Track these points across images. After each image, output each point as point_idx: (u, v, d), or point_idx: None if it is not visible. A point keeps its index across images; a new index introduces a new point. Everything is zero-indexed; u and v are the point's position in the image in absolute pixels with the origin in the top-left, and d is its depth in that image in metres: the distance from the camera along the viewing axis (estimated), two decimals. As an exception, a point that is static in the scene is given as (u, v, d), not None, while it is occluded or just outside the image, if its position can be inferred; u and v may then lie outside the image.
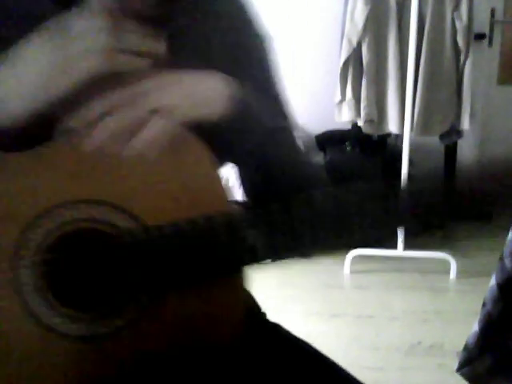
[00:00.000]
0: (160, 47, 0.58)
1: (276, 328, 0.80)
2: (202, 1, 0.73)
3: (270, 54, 0.78)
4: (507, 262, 1.03)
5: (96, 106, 0.57)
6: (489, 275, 1.08)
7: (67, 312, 0.61)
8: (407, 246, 2.53)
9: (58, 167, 0.60)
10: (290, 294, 2.32)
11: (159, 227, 0.59)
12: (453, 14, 2.59)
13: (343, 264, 2.52)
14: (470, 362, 1.10)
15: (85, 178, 0.60)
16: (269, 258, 0.61)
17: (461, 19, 2.58)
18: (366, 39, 2.60)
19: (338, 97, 2.69)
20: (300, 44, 3.15)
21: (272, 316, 0.84)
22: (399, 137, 2.79)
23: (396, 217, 0.62)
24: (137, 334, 0.61)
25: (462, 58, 2.63)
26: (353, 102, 2.65)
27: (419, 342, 1.96)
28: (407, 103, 2.48)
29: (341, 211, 0.60)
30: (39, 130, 0.57)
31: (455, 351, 1.71)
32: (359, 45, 2.61)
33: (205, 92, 0.62)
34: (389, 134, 2.83)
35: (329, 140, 3.03)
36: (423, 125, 2.64)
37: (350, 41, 2.61)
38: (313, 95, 3.15)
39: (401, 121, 2.59)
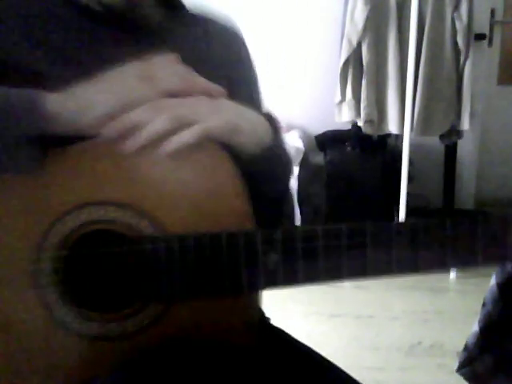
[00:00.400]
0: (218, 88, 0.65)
1: (280, 333, 0.80)
2: (208, 20, 0.78)
3: (257, 83, 0.84)
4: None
5: (142, 113, 0.60)
6: (489, 275, 1.08)
7: (80, 310, 0.61)
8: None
9: (86, 168, 0.61)
10: (290, 294, 2.31)
11: (182, 237, 0.59)
12: (453, 14, 2.59)
13: (343, 264, 2.52)
14: (470, 362, 1.10)
15: (112, 181, 0.61)
16: (287, 285, 0.61)
17: (461, 19, 2.58)
18: (366, 39, 2.60)
19: (338, 97, 2.69)
20: (300, 44, 3.16)
21: (272, 316, 0.84)
22: (399, 137, 2.79)
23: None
24: (149, 339, 0.62)
25: (461, 58, 2.62)
26: (353, 102, 2.65)
27: (419, 342, 1.96)
28: (407, 103, 2.47)
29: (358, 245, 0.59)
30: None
31: (455, 351, 1.71)
32: (359, 45, 2.61)
33: (249, 125, 0.65)
34: (389, 134, 2.83)
35: (329, 140, 3.03)
36: (423, 125, 2.64)
37: (349, 41, 2.61)
38: (313, 95, 3.15)
39: (401, 121, 2.59)
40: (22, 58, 0.64)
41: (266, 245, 0.59)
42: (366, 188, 2.69)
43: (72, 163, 0.61)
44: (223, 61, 0.76)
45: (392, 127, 2.66)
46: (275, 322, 0.83)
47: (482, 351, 1.08)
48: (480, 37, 3.06)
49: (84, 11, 0.68)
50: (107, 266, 0.63)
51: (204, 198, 0.61)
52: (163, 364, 0.61)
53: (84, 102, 0.60)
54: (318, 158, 3.07)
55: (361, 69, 2.64)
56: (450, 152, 2.99)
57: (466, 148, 3.12)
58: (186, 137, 0.59)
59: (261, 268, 0.59)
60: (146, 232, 0.60)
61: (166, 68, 0.63)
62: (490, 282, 1.07)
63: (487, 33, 3.15)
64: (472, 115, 2.66)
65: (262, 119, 0.68)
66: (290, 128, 3.11)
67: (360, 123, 2.69)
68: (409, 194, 2.48)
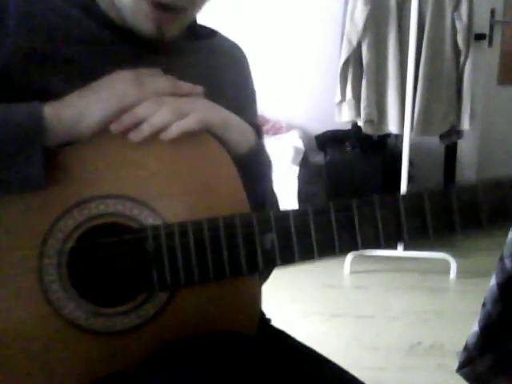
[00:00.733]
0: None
1: (280, 334, 0.80)
2: (215, 44, 0.81)
3: (257, 108, 0.88)
4: (507, 262, 1.03)
5: (146, 108, 0.65)
6: (489, 275, 1.08)
7: (86, 305, 0.62)
8: (407, 246, 2.53)
9: (85, 164, 0.63)
10: (290, 294, 2.32)
11: (182, 224, 0.62)
12: (453, 14, 2.59)
13: (343, 264, 2.53)
14: (470, 362, 1.10)
15: (110, 175, 0.63)
16: (285, 263, 0.63)
17: (461, 19, 2.58)
18: (366, 39, 2.60)
19: (338, 97, 2.69)
20: (300, 44, 3.16)
21: (272, 316, 0.84)
22: (399, 137, 2.79)
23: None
24: (155, 330, 0.63)
25: (461, 58, 2.63)
26: (353, 102, 2.65)
27: (419, 342, 1.97)
28: (407, 103, 2.48)
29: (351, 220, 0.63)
30: None
31: (455, 351, 1.71)
32: (359, 45, 2.61)
33: (237, 124, 0.71)
34: (389, 134, 2.83)
35: (329, 140, 3.03)
36: (423, 125, 2.64)
37: (349, 41, 2.61)
38: (313, 95, 3.15)
39: (401, 121, 2.59)
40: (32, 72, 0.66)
41: (262, 224, 0.62)
42: (365, 188, 2.69)
43: (71, 160, 0.63)
44: (230, 81, 0.80)
45: (392, 127, 2.66)
46: (275, 321, 0.83)
47: (481, 351, 1.08)
48: (480, 37, 3.06)
49: (107, 26, 0.71)
50: (110, 258, 0.64)
51: (201, 186, 0.64)
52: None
53: (80, 110, 0.63)
54: (318, 158, 3.07)
55: (361, 69, 2.64)
56: (450, 152, 2.99)
57: (466, 148, 3.12)
58: (185, 124, 0.64)
59: (258, 248, 0.62)
60: (147, 222, 0.63)
61: (152, 75, 0.68)
62: (489, 281, 1.07)
63: (487, 33, 3.15)
64: (472, 115, 2.66)
65: (246, 123, 0.73)
66: (290, 128, 3.11)
67: (360, 123, 2.69)
68: (409, 194, 2.48)
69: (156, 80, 0.67)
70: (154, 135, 0.63)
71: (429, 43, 2.58)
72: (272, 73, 3.12)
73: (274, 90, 3.13)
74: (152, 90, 0.66)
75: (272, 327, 0.82)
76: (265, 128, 3.06)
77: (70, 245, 0.62)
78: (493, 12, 3.18)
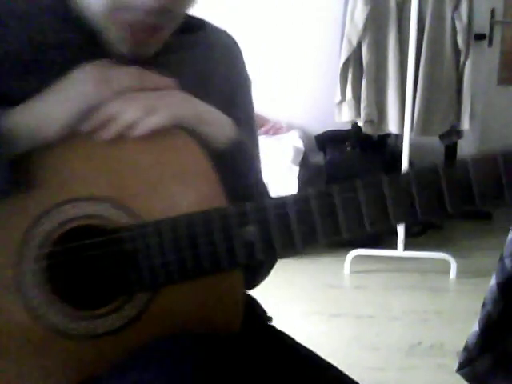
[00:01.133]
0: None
1: (280, 335, 0.79)
2: (205, 36, 0.78)
3: (252, 98, 0.84)
4: (507, 261, 1.03)
5: (114, 106, 0.63)
6: (489, 275, 1.08)
7: (66, 309, 0.61)
8: (407, 246, 2.53)
9: (56, 168, 0.62)
10: (290, 294, 2.32)
11: (156, 222, 0.60)
12: (453, 14, 2.59)
13: (343, 264, 2.52)
14: (470, 362, 1.10)
15: (83, 177, 0.62)
16: (266, 255, 0.61)
17: (461, 19, 2.58)
18: (366, 39, 2.60)
19: (338, 97, 2.69)
20: (300, 44, 3.16)
21: (272, 316, 0.84)
22: (399, 137, 2.79)
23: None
24: (138, 331, 0.61)
25: (462, 58, 2.63)
26: (353, 102, 2.65)
27: (419, 342, 1.96)
28: (407, 103, 2.47)
29: (334, 209, 0.60)
30: None
31: (455, 351, 1.71)
32: (359, 45, 2.61)
33: (214, 118, 0.68)
34: (389, 134, 2.83)
35: (329, 140, 3.03)
36: (423, 125, 2.64)
37: (349, 41, 2.61)
38: (313, 95, 3.15)
39: (401, 121, 2.59)
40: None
41: (240, 217, 0.60)
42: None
43: (41, 164, 0.61)
44: (220, 74, 0.78)
45: (392, 127, 2.66)
46: (275, 321, 0.83)
47: (482, 351, 1.08)
48: (480, 37, 3.06)
49: (81, 31, 0.67)
50: (87, 261, 0.63)
51: (174, 182, 0.62)
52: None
53: (42, 115, 0.61)
54: (318, 158, 3.07)
55: (361, 69, 2.64)
56: (450, 152, 2.99)
57: (466, 148, 3.12)
58: (154, 120, 0.62)
59: (238, 241, 0.60)
60: (122, 222, 0.61)
61: (118, 69, 0.65)
62: (489, 281, 1.07)
63: (487, 33, 3.15)
64: (472, 115, 2.66)
65: (225, 116, 0.70)
66: (290, 128, 3.11)
67: (360, 123, 2.69)
68: (409, 194, 2.48)
69: (122, 74, 0.65)
70: (124, 133, 0.62)
71: (429, 43, 2.58)
72: (272, 73, 3.12)
73: (274, 90, 3.13)
74: (118, 85, 0.63)
75: (272, 328, 0.82)
76: (265, 128, 3.06)
77: (46, 250, 0.61)
78: (493, 12, 3.18)
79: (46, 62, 0.66)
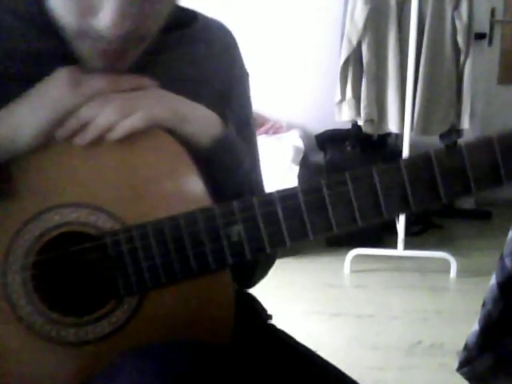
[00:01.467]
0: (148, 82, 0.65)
1: (281, 335, 0.79)
2: (197, 30, 0.76)
3: (249, 92, 0.82)
4: (507, 261, 1.03)
5: (89, 110, 0.62)
6: (489, 275, 1.08)
7: (55, 317, 0.61)
8: (407, 246, 2.53)
9: (36, 174, 0.61)
10: (290, 294, 2.32)
11: (141, 226, 0.60)
12: (453, 13, 2.59)
13: (343, 263, 2.53)
14: (470, 361, 1.10)
15: (61, 184, 0.61)
16: (255, 254, 0.60)
17: (461, 19, 2.58)
18: (366, 39, 2.60)
19: (338, 96, 2.69)
20: (300, 44, 3.16)
21: (272, 314, 0.84)
22: (399, 136, 2.79)
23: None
24: (129, 336, 0.61)
25: (461, 57, 2.63)
26: (353, 101, 2.66)
27: (419, 342, 1.97)
28: (407, 103, 2.47)
29: (321, 203, 0.59)
30: None
31: (455, 351, 1.71)
32: (359, 44, 2.61)
33: (197, 116, 0.66)
34: (389, 134, 2.84)
35: (329, 139, 3.04)
36: (423, 124, 2.65)
37: (349, 40, 2.61)
38: (313, 95, 3.15)
39: (401, 120, 2.59)
40: None
41: (226, 217, 0.59)
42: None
43: (20, 174, 0.61)
44: (214, 68, 0.76)
45: (392, 126, 2.67)
46: (275, 321, 0.83)
47: (482, 351, 1.08)
48: (480, 36, 3.06)
49: (56, 36, 0.65)
50: (73, 268, 0.63)
51: (155, 184, 0.61)
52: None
53: (13, 126, 0.60)
54: (318, 158, 3.07)
55: (361, 68, 2.65)
56: (450, 151, 2.99)
57: (466, 147, 3.12)
58: (130, 123, 0.61)
59: (225, 242, 0.59)
60: (106, 227, 0.60)
61: (91, 73, 0.63)
62: (489, 281, 1.07)
63: (487, 32, 3.16)
64: (472, 115, 2.66)
65: (209, 112, 0.68)
66: (290, 127, 3.12)
67: (360, 122, 2.69)
68: (409, 194, 2.48)
69: (95, 78, 0.63)
70: (101, 137, 0.61)
71: (429, 43, 2.59)
72: (272, 72, 3.12)
73: (274, 90, 3.13)
74: (90, 90, 0.62)
75: (272, 326, 0.82)
76: (265, 127, 3.06)
77: (31, 259, 0.60)
78: (493, 11, 3.18)
79: (20, 71, 0.64)
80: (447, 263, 2.48)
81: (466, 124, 2.66)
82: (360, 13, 2.58)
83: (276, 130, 3.08)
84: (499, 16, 3.24)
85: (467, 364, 1.11)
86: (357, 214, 0.58)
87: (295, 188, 0.59)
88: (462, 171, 0.57)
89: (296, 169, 2.67)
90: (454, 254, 2.49)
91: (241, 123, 0.76)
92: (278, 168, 2.60)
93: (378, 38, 2.62)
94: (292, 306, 2.22)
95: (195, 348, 0.60)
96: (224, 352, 0.63)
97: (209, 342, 0.62)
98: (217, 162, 0.66)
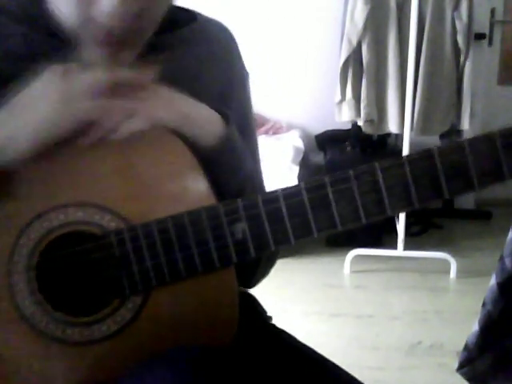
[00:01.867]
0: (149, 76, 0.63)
1: (282, 334, 0.79)
2: (197, 30, 0.76)
3: (249, 92, 0.82)
4: (507, 261, 1.03)
5: (93, 111, 0.60)
6: (489, 275, 1.08)
7: (60, 317, 0.61)
8: (407, 246, 2.53)
9: (41, 174, 0.61)
10: (290, 294, 2.32)
11: (145, 225, 0.60)
12: (453, 13, 2.59)
13: (343, 263, 2.53)
14: (470, 361, 1.10)
15: (66, 184, 0.61)
16: (260, 251, 0.60)
17: (461, 19, 2.58)
18: (366, 39, 2.60)
19: (338, 96, 2.69)
20: (300, 44, 3.16)
21: (272, 315, 0.84)
22: (399, 136, 2.79)
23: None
24: (134, 334, 0.61)
25: (461, 57, 2.63)
26: (353, 101, 2.66)
27: (419, 342, 1.97)
28: (407, 103, 2.48)
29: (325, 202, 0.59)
30: None
31: (455, 351, 1.71)
32: (359, 45, 2.62)
33: (201, 116, 0.66)
34: (389, 134, 2.84)
35: (329, 139, 3.03)
36: (423, 125, 2.65)
37: (349, 41, 2.61)
38: (313, 95, 3.15)
39: (401, 120, 2.59)
40: None
41: (230, 215, 0.59)
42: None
43: (25, 174, 0.61)
44: (213, 68, 0.76)
45: (392, 127, 2.67)
46: (275, 321, 0.83)
47: (482, 351, 1.08)
48: (480, 36, 3.06)
49: (56, 35, 0.65)
50: (78, 267, 0.62)
51: (160, 182, 0.61)
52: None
53: (5, 138, 0.58)
54: (318, 158, 3.07)
55: (361, 68, 2.65)
56: (450, 152, 2.99)
57: (466, 148, 3.12)
58: (133, 125, 0.61)
59: (229, 239, 0.59)
60: (110, 227, 0.60)
61: (85, 71, 0.61)
62: (489, 281, 1.07)
63: (487, 32, 3.15)
64: (472, 115, 2.66)
65: (212, 112, 0.68)
66: (290, 128, 3.12)
67: (360, 123, 2.69)
68: (409, 194, 2.48)
69: (88, 73, 0.60)
70: (104, 137, 0.60)
71: (429, 43, 2.59)
72: (272, 72, 3.12)
73: (274, 90, 3.13)
74: (85, 85, 0.59)
75: (273, 326, 0.82)
76: (265, 128, 3.06)
77: (35, 259, 0.60)
78: (493, 11, 3.18)
79: (19, 71, 0.62)
80: (447, 263, 2.48)
81: (465, 124, 2.66)
82: (360, 13, 2.58)
83: (276, 130, 3.08)
84: (499, 16, 3.24)
85: (467, 364, 1.11)
86: (360, 211, 0.58)
87: (299, 185, 0.59)
88: (464, 167, 0.57)
89: (296, 169, 2.67)
90: (453, 255, 2.49)
91: (241, 123, 0.76)
92: (278, 168, 2.60)
93: (378, 38, 2.62)
94: (292, 306, 2.21)
95: (198, 351, 0.60)
96: (227, 353, 0.63)
97: (210, 346, 0.62)
98: (219, 162, 0.67)
